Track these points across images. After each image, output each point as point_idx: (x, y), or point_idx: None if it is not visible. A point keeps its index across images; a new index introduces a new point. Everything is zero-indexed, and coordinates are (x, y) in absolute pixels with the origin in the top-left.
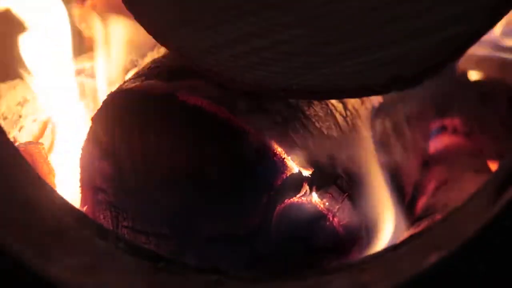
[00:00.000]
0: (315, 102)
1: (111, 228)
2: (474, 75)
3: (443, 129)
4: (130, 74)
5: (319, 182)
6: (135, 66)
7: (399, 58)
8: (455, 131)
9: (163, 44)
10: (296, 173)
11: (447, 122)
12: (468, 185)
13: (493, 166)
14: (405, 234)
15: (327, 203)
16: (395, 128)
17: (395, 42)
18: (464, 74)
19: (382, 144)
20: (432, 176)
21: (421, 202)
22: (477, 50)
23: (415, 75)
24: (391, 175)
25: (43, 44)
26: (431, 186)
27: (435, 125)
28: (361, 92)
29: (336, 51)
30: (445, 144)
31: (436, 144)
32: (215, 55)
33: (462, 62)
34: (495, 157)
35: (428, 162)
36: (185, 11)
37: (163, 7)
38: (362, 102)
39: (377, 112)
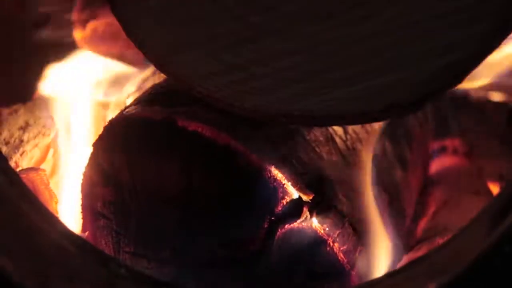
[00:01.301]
0: (315, 127)
1: (113, 253)
2: (474, 95)
3: (443, 149)
4: (131, 99)
5: (320, 207)
6: (137, 90)
7: (398, 85)
8: (455, 151)
9: (162, 70)
10: (297, 198)
11: (448, 142)
12: (469, 207)
13: (494, 187)
14: (405, 258)
15: (327, 228)
16: (395, 150)
17: (395, 68)
18: (464, 94)
19: (383, 167)
20: (433, 197)
21: (422, 224)
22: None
23: (415, 101)
24: (392, 197)
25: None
26: (431, 208)
27: (435, 145)
28: (361, 118)
29: (336, 77)
30: (446, 165)
31: (437, 165)
32: (214, 81)
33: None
34: (495, 177)
35: (428, 184)
36: (184, 38)
37: (162, 33)
38: (362, 125)
39: (377, 135)
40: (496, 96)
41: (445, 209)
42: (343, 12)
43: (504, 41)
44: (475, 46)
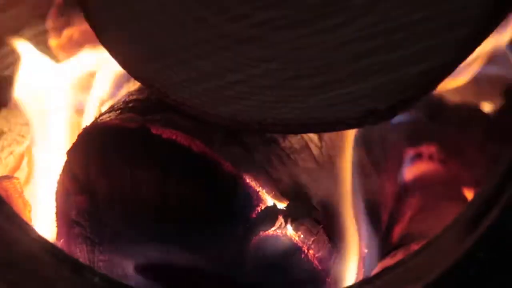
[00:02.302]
0: (290, 134)
1: (87, 261)
2: (449, 101)
3: (419, 156)
4: (106, 106)
5: (294, 214)
6: (111, 97)
7: (373, 92)
8: (431, 158)
9: (136, 78)
10: (271, 205)
11: (423, 149)
12: (444, 214)
13: (469, 193)
14: (380, 265)
15: (302, 236)
16: (370, 157)
17: (369, 75)
18: (440, 100)
19: (358, 174)
20: (408, 204)
21: (397, 231)
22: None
23: (390, 108)
24: (367, 204)
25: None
26: (407, 214)
27: (411, 152)
28: (336, 125)
29: (311, 85)
30: (421, 172)
31: (412, 171)
32: (189, 88)
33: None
34: (471, 184)
35: (404, 190)
36: (157, 46)
37: (135, 41)
38: (338, 133)
39: (352, 142)
40: (472, 101)
41: (420, 216)
42: (318, 19)
43: None
44: (452, 52)
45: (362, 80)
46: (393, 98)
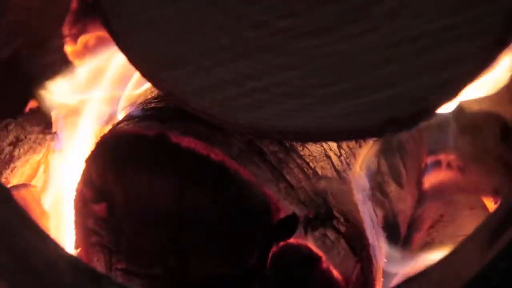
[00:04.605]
0: (310, 143)
1: (105, 270)
2: (468, 109)
3: (437, 164)
4: (123, 114)
5: (314, 223)
6: (129, 105)
7: (394, 100)
8: (449, 166)
9: (155, 85)
10: (291, 214)
11: (442, 157)
12: (463, 222)
13: (488, 201)
14: (400, 274)
15: (322, 245)
16: (389, 165)
17: (390, 84)
18: (457, 108)
19: (377, 182)
20: (427, 212)
21: (417, 240)
22: None
23: (411, 117)
24: (387, 212)
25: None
26: (426, 223)
27: (429, 160)
28: (356, 134)
29: (331, 93)
30: (440, 180)
31: (431, 179)
32: (208, 96)
33: None
34: (490, 192)
35: (423, 198)
36: (177, 53)
37: (155, 48)
38: (357, 141)
39: (371, 150)
40: (490, 109)
41: (440, 224)
42: (339, 27)
43: None
44: (474, 61)
45: (383, 88)
46: (414, 106)
